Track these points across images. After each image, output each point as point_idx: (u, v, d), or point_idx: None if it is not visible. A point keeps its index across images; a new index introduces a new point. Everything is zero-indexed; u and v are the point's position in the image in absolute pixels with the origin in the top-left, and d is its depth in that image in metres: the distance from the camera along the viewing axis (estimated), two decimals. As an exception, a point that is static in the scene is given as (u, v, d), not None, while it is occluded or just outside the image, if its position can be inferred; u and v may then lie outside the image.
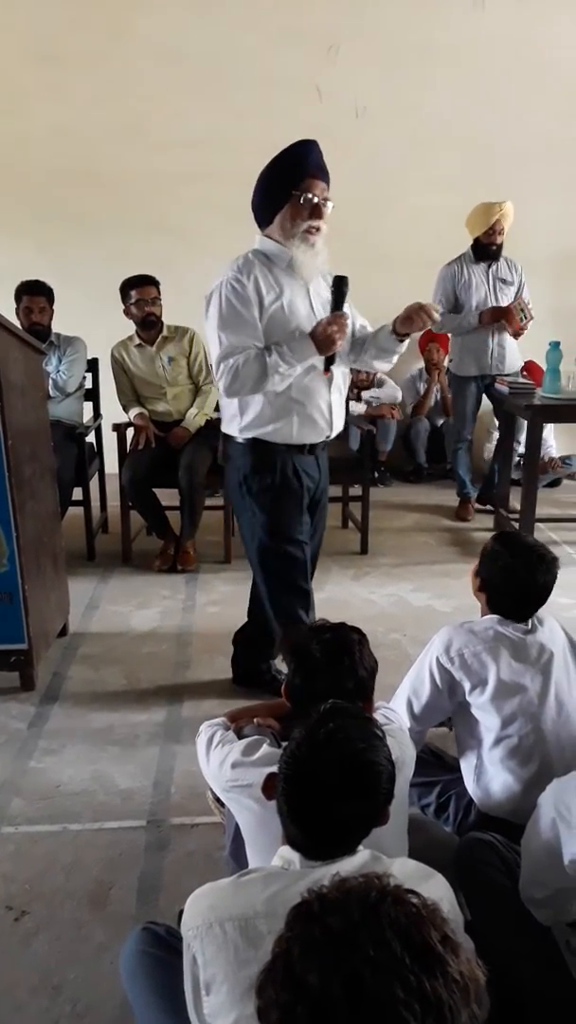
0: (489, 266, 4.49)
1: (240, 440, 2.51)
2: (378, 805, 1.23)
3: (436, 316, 2.40)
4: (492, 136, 5.16)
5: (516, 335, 4.50)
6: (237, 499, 2.60)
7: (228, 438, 2.57)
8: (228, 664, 3.02)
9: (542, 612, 2.09)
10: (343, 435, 5.05)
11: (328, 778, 1.19)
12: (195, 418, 4.00)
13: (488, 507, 4.70)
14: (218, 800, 2.07)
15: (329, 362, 2.42)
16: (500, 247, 4.45)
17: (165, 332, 4.01)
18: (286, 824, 1.22)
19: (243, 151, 5.17)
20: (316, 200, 2.34)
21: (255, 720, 1.89)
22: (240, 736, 1.80)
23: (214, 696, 2.81)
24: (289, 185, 2.33)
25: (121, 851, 2.08)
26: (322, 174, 2.37)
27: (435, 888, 1.22)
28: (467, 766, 2.05)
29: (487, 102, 5.16)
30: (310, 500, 2.59)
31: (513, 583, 2.00)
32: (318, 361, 2.41)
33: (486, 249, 4.44)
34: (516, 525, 4.10)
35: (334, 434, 2.57)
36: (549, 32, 5.10)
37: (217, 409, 4.16)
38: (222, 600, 3.61)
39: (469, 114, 5.15)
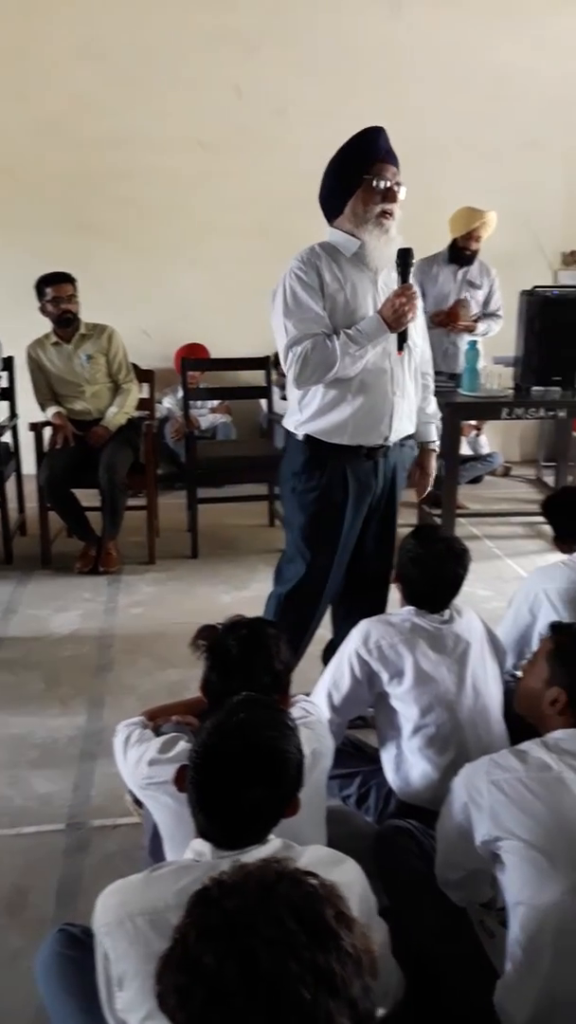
0: (460, 267, 4.54)
1: (297, 436, 2.43)
2: (286, 793, 1.24)
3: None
4: (412, 139, 5.18)
5: (469, 330, 4.55)
6: (285, 494, 2.55)
7: (288, 433, 2.50)
8: (151, 665, 2.99)
9: (461, 604, 2.14)
10: (268, 432, 5.10)
11: (235, 764, 1.20)
12: (115, 417, 3.95)
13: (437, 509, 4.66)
14: (137, 802, 2.05)
15: (402, 339, 2.30)
16: (475, 253, 4.51)
17: (83, 330, 3.94)
18: (195, 813, 1.22)
19: (165, 150, 5.18)
20: (389, 184, 2.27)
21: (173, 718, 1.89)
22: (158, 734, 1.78)
23: (136, 697, 2.77)
24: (360, 170, 2.27)
25: (39, 856, 2.04)
26: (392, 158, 2.31)
27: (346, 873, 1.24)
28: (387, 756, 2.08)
29: (407, 106, 5.22)
30: (368, 509, 2.48)
31: (425, 574, 2.05)
32: (390, 343, 2.30)
33: (460, 252, 4.49)
34: (438, 521, 4.16)
35: (394, 438, 2.42)
36: (465, 39, 5.20)
37: (139, 407, 4.17)
38: (145, 601, 3.57)
39: (388, 117, 5.10)
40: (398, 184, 2.30)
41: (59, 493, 3.79)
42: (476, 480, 5.55)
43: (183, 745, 1.64)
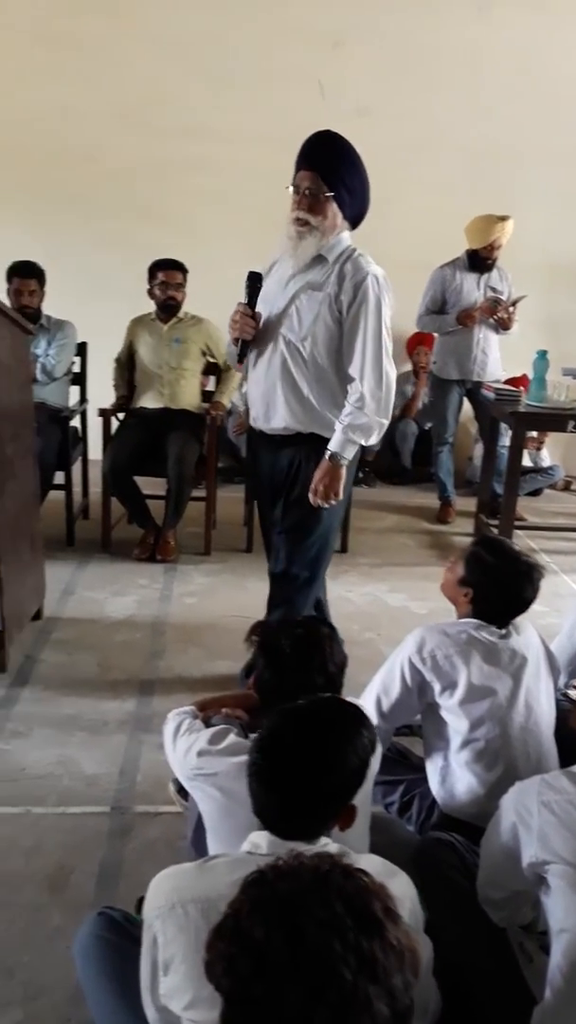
0: (482, 274, 4.53)
1: None
2: (340, 793, 1.25)
3: None
4: (492, 142, 5.17)
5: (505, 328, 4.52)
6: None
7: None
8: (201, 655, 3.02)
9: (521, 619, 2.10)
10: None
11: (297, 750, 1.25)
12: (221, 396, 4.15)
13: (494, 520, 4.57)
14: (180, 791, 2.07)
15: (242, 352, 2.52)
16: (495, 260, 4.50)
17: (180, 315, 4.06)
18: (252, 787, 1.25)
19: (242, 143, 5.19)
20: (296, 191, 2.36)
21: (224, 710, 1.90)
22: (208, 725, 1.79)
23: (185, 686, 2.81)
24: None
25: (83, 836, 2.08)
26: (307, 163, 2.35)
27: (399, 886, 1.23)
28: (433, 767, 2.06)
29: (489, 108, 5.17)
30: (278, 487, 2.61)
31: (502, 593, 2.02)
32: (277, 343, 2.46)
33: (482, 262, 4.48)
34: (495, 531, 4.11)
35: (267, 426, 2.55)
36: (553, 43, 5.12)
37: (203, 400, 4.20)
38: (199, 591, 3.60)
39: (470, 119, 5.16)
40: (308, 190, 2.33)
41: (122, 481, 3.84)
42: (536, 492, 5.47)
43: (233, 738, 1.65)
